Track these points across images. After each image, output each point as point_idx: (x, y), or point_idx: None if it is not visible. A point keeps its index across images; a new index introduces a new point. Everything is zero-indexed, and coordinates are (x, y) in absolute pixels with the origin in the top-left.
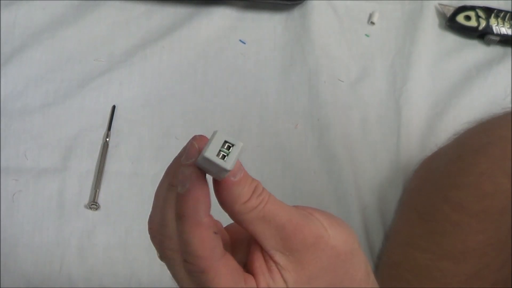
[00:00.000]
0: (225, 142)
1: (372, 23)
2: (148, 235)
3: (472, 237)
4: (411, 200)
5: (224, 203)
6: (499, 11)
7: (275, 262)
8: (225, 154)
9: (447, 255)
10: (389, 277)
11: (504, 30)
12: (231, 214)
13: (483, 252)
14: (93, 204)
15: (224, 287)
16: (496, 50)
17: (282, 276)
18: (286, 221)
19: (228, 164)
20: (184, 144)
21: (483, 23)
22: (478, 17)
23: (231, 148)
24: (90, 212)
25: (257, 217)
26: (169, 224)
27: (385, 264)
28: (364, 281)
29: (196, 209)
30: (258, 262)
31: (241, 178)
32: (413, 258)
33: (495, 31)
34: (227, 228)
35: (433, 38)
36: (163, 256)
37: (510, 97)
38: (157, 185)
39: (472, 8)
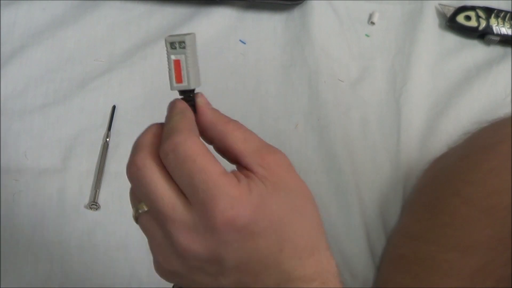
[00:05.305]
0: (173, 44)
1: (372, 23)
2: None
3: (480, 231)
4: (419, 197)
5: (211, 129)
6: (499, 11)
7: (255, 173)
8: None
9: (455, 248)
10: (394, 269)
11: (504, 30)
12: (219, 139)
13: (490, 247)
14: (93, 204)
15: (199, 152)
16: (496, 50)
17: (261, 181)
18: (262, 144)
19: (191, 83)
20: None
21: (483, 23)
22: (478, 17)
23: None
24: (90, 212)
25: (239, 138)
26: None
27: (391, 257)
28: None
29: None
30: (239, 170)
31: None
32: (421, 251)
33: (495, 31)
34: None
35: (433, 38)
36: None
37: (510, 97)
38: None
39: (472, 8)
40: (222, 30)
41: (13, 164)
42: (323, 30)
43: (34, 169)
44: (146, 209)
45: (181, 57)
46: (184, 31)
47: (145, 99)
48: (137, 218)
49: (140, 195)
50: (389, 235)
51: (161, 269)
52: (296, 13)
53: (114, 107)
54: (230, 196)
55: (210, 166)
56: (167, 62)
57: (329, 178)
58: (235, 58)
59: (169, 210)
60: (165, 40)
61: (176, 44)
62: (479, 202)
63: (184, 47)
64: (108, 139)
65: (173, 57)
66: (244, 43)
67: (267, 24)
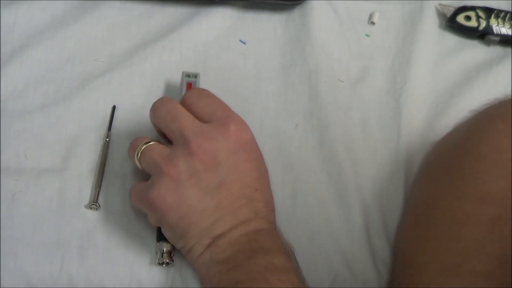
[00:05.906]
0: (188, 74)
1: (372, 23)
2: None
3: (493, 182)
4: (432, 167)
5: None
6: (499, 11)
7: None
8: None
9: (470, 199)
10: (414, 226)
11: (504, 30)
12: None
13: (505, 197)
14: (93, 204)
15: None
16: (496, 50)
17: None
18: None
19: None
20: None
21: (483, 23)
22: (478, 17)
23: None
24: (90, 212)
25: None
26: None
27: (409, 219)
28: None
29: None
30: None
31: None
32: (437, 206)
33: (495, 31)
34: None
35: (433, 38)
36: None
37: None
38: None
39: (472, 8)
40: (222, 30)
41: (13, 164)
42: (323, 30)
43: (34, 169)
44: (151, 142)
45: (192, 81)
46: (184, 31)
47: (145, 99)
48: (140, 158)
49: (164, 115)
50: (403, 210)
51: (159, 184)
52: (296, 13)
53: (114, 107)
54: (240, 120)
55: (225, 103)
56: (179, 84)
57: (329, 178)
58: (235, 58)
59: (189, 121)
60: (182, 72)
61: (190, 75)
62: (489, 157)
63: (195, 77)
64: (108, 139)
65: (187, 80)
66: (244, 43)
67: (267, 24)
